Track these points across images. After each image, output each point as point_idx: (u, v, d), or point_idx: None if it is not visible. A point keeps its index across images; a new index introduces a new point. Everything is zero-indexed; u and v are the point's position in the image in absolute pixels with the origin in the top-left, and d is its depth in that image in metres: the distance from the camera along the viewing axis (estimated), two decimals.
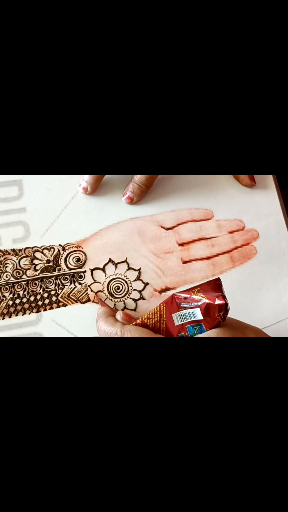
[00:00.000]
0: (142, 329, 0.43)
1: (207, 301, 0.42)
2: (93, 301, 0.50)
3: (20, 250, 0.50)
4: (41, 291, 0.49)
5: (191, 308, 0.43)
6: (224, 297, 0.42)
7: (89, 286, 0.50)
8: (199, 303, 0.42)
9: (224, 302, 0.41)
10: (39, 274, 0.50)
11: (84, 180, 0.53)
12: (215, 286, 0.43)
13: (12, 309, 0.48)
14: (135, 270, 0.51)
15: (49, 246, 0.51)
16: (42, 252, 0.50)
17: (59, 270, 0.50)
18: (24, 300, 0.48)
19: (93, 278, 0.50)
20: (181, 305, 0.43)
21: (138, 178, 0.53)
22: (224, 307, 0.42)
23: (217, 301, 0.42)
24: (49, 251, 0.50)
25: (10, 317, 0.48)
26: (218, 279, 0.44)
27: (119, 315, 0.47)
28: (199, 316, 0.42)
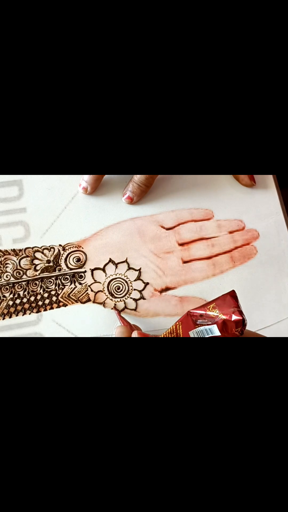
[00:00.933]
0: None
1: (223, 317, 0.41)
2: (93, 301, 0.50)
3: (20, 250, 0.50)
4: (41, 291, 0.49)
5: (208, 324, 0.42)
6: (240, 312, 0.41)
7: (89, 286, 0.50)
8: (216, 320, 0.41)
9: (241, 318, 0.40)
10: (39, 274, 0.50)
11: (84, 180, 0.53)
12: (231, 300, 0.42)
13: (12, 309, 0.48)
14: (136, 270, 0.51)
15: (49, 246, 0.51)
16: (42, 252, 0.50)
17: (59, 270, 0.50)
18: (24, 300, 0.49)
19: (93, 278, 0.50)
20: (197, 322, 0.42)
21: (138, 177, 0.53)
22: (242, 323, 0.41)
23: (234, 317, 0.41)
24: (49, 251, 0.50)
25: (10, 317, 0.48)
26: (233, 291, 0.42)
27: (135, 335, 0.45)
28: (217, 332, 0.41)
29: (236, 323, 0.41)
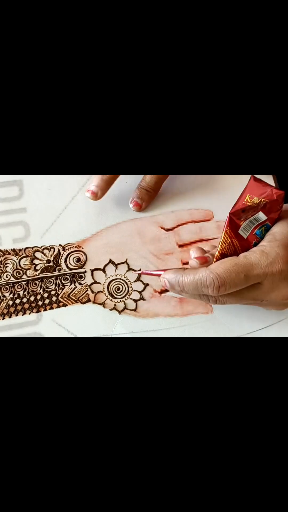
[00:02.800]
0: (225, 260, 0.42)
1: (266, 200, 0.42)
2: (93, 302, 0.50)
3: (20, 250, 0.50)
4: (41, 291, 0.49)
5: (253, 214, 0.43)
6: (276, 188, 0.42)
7: (89, 286, 0.50)
8: (260, 206, 0.42)
9: (282, 192, 0.42)
10: (39, 274, 0.49)
11: (93, 184, 0.51)
12: (259, 185, 0.43)
13: (12, 309, 0.48)
14: (135, 271, 0.51)
15: (49, 246, 0.51)
16: (42, 252, 0.50)
17: (59, 270, 0.50)
18: (24, 300, 0.48)
19: (93, 278, 0.50)
20: (241, 219, 0.43)
21: (145, 183, 0.53)
22: (283, 197, 0.42)
23: (275, 195, 0.42)
24: (49, 251, 0.50)
25: (10, 317, 0.48)
26: (252, 176, 0.44)
27: (194, 262, 0.44)
28: (263, 217, 0.43)
29: (279, 198, 0.42)
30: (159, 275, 0.45)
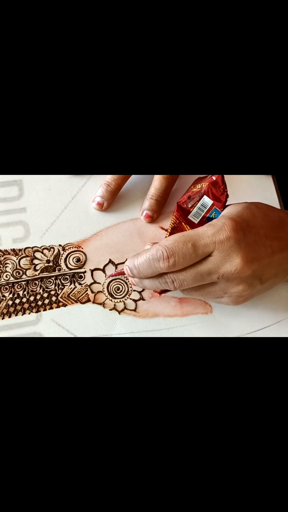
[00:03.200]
0: (174, 234, 0.42)
1: (207, 183, 0.45)
2: (93, 302, 0.50)
3: (20, 250, 0.50)
4: (41, 291, 0.49)
5: (198, 200, 0.45)
6: (215, 175, 0.45)
7: (89, 286, 0.50)
8: (202, 190, 0.44)
9: (219, 175, 0.44)
10: (39, 274, 0.49)
11: (98, 195, 0.52)
12: (202, 177, 0.47)
13: (12, 309, 0.48)
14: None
15: (49, 246, 0.51)
16: (42, 252, 0.50)
17: (59, 270, 0.50)
18: (24, 300, 0.48)
19: (93, 278, 0.50)
20: (189, 206, 0.45)
21: (155, 191, 0.52)
22: (222, 178, 0.44)
23: (214, 177, 0.45)
24: (49, 251, 0.50)
25: (10, 317, 0.48)
26: (198, 177, 0.48)
27: (147, 245, 0.47)
28: (209, 202, 0.44)
29: (218, 180, 0.45)
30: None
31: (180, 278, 0.42)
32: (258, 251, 0.42)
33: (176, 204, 0.46)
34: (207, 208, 0.45)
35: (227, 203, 0.45)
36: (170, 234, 0.46)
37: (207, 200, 0.44)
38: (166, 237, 0.45)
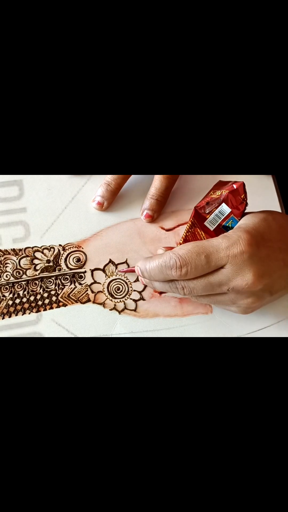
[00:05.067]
0: (188, 243, 0.43)
1: (226, 191, 0.44)
2: (93, 302, 0.50)
3: (20, 250, 0.50)
4: (41, 291, 0.49)
5: (217, 207, 0.44)
6: (235, 182, 0.44)
7: (89, 286, 0.50)
8: (221, 197, 0.44)
9: (241, 182, 0.43)
10: (39, 274, 0.50)
11: (99, 195, 0.52)
12: (224, 182, 0.45)
13: (12, 309, 0.48)
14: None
15: (49, 246, 0.51)
16: (42, 252, 0.50)
17: (59, 270, 0.50)
18: (24, 300, 0.48)
19: (93, 278, 0.50)
20: (206, 212, 0.45)
21: (155, 190, 0.53)
22: (243, 187, 0.43)
23: (235, 186, 0.44)
24: (49, 251, 0.50)
25: (10, 317, 0.48)
26: (219, 181, 0.46)
27: (160, 250, 0.47)
28: (227, 210, 0.44)
29: (239, 187, 0.44)
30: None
31: (191, 286, 0.43)
32: (271, 265, 0.42)
33: (194, 209, 0.45)
34: (224, 216, 0.44)
35: (246, 209, 0.45)
36: (184, 239, 0.45)
37: (225, 208, 0.44)
38: (180, 242, 0.46)
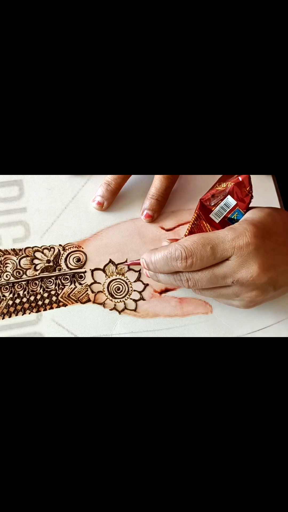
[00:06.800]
0: (194, 235, 0.42)
1: (232, 183, 0.44)
2: (93, 302, 0.50)
3: (20, 250, 0.50)
4: (41, 291, 0.49)
5: (222, 199, 0.44)
6: (242, 175, 0.44)
7: (89, 286, 0.50)
8: (227, 189, 0.44)
9: (247, 175, 0.43)
10: (39, 274, 0.50)
11: (99, 195, 0.52)
12: (229, 175, 0.45)
13: (12, 309, 0.48)
14: (136, 271, 0.51)
15: (49, 246, 0.51)
16: (43, 252, 0.50)
17: (59, 270, 0.50)
18: (24, 300, 0.48)
19: (93, 278, 0.50)
20: (212, 204, 0.45)
21: (155, 190, 0.53)
22: (249, 179, 0.43)
23: (240, 178, 0.44)
24: (49, 251, 0.50)
25: (10, 316, 0.48)
26: (223, 175, 0.46)
27: (165, 242, 0.47)
28: (233, 202, 0.44)
29: (245, 180, 0.43)
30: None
31: (195, 278, 0.42)
32: (276, 258, 0.42)
33: (199, 201, 0.45)
34: (230, 208, 0.44)
35: (250, 205, 0.45)
36: (190, 231, 0.45)
37: (230, 200, 0.44)
38: (185, 234, 0.45)
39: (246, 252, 0.40)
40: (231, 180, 0.44)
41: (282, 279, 0.43)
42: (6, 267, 0.49)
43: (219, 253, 0.41)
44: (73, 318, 0.49)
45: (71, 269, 0.50)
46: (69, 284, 0.50)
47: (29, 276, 0.49)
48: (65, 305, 0.49)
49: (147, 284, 0.51)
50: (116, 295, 0.50)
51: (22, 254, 0.50)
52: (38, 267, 0.50)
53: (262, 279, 0.41)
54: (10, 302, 0.48)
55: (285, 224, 0.43)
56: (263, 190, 0.56)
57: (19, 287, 0.49)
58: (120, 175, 0.52)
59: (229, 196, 0.44)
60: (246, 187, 0.44)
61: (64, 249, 0.51)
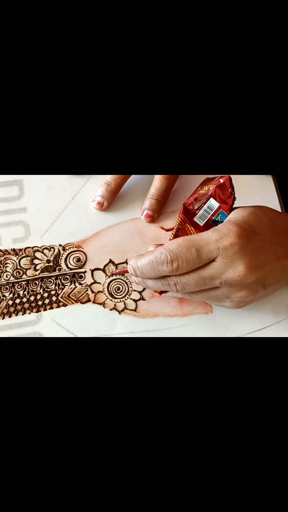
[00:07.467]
0: (179, 238, 0.43)
1: (214, 185, 0.44)
2: (93, 302, 0.50)
3: (20, 250, 0.50)
4: (41, 291, 0.49)
5: (205, 202, 0.44)
6: (223, 177, 0.44)
7: (89, 286, 0.50)
8: (209, 192, 0.44)
9: (228, 176, 0.44)
10: (39, 274, 0.50)
11: (99, 195, 0.52)
12: (210, 178, 0.46)
13: (12, 309, 0.48)
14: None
15: (49, 246, 0.51)
16: (42, 252, 0.50)
17: (59, 270, 0.50)
18: (24, 300, 0.48)
19: (93, 278, 0.50)
20: (195, 208, 0.45)
21: (155, 190, 0.53)
22: (230, 181, 0.44)
23: (221, 180, 0.44)
24: (49, 251, 0.50)
25: (10, 316, 0.48)
26: (206, 178, 0.47)
27: (151, 247, 0.47)
28: (216, 204, 0.44)
29: (226, 182, 0.44)
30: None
31: (183, 282, 0.42)
32: (263, 257, 0.42)
33: (182, 205, 0.46)
34: (213, 211, 0.45)
35: (234, 206, 0.45)
36: (175, 235, 0.46)
37: (213, 203, 0.44)
38: (170, 238, 0.46)
39: (231, 252, 0.40)
40: (213, 182, 0.45)
41: (271, 277, 0.43)
42: (6, 267, 0.49)
43: (204, 254, 0.41)
44: (73, 318, 0.49)
45: (71, 269, 0.50)
46: (69, 284, 0.50)
47: (29, 276, 0.49)
48: (65, 305, 0.49)
49: None
50: (116, 295, 0.50)
51: (22, 254, 0.50)
52: (38, 267, 0.50)
53: (250, 279, 0.41)
54: (10, 302, 0.48)
55: (271, 222, 0.43)
56: (263, 190, 0.56)
57: (19, 287, 0.49)
58: (120, 175, 0.52)
59: (211, 199, 0.44)
60: (228, 189, 0.44)
61: (64, 249, 0.51)
